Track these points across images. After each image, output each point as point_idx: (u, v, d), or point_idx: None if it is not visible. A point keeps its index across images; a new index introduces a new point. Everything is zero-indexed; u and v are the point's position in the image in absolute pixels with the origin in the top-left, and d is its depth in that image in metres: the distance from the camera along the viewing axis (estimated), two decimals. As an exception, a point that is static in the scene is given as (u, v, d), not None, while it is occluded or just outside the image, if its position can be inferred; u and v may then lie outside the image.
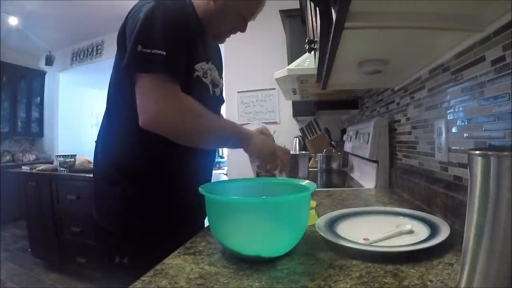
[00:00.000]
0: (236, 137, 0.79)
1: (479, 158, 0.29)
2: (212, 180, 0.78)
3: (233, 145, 0.84)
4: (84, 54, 4.60)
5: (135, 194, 0.74)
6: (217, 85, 0.86)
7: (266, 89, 3.17)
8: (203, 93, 0.78)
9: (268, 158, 0.82)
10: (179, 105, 0.67)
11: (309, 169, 1.75)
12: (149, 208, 0.75)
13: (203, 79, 0.78)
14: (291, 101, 2.54)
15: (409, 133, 1.02)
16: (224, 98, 0.99)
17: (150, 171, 0.76)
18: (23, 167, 2.94)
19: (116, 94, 0.77)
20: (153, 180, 0.76)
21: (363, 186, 1.30)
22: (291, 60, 1.90)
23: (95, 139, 0.83)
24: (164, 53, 0.64)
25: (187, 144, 0.72)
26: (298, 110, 2.60)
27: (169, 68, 0.65)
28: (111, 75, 0.78)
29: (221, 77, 0.92)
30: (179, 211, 0.78)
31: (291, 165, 1.49)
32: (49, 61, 4.80)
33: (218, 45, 0.94)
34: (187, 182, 0.75)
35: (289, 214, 0.51)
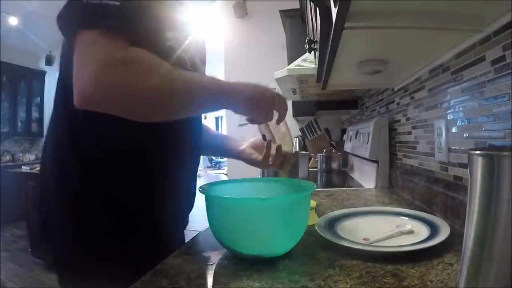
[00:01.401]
0: (217, 90, 0.55)
1: (479, 158, 0.29)
2: (212, 180, 0.77)
3: (215, 104, 0.58)
4: (84, 54, 4.59)
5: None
6: (194, 66, 0.67)
7: (266, 89, 3.16)
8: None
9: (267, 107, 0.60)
10: (126, 61, 0.47)
11: (309, 169, 1.75)
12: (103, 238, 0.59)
13: (178, 51, 0.59)
14: (291, 101, 2.54)
15: (409, 133, 1.02)
16: None
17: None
18: (23, 167, 2.95)
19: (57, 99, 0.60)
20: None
21: (363, 186, 1.30)
22: (291, 60, 1.89)
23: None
24: (118, 3, 0.47)
25: (147, 118, 0.52)
26: (298, 110, 2.60)
27: (123, 22, 0.47)
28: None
29: (202, 68, 0.73)
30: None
31: (291, 165, 1.49)
32: (49, 61, 4.80)
33: (201, 38, 0.73)
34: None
35: (289, 214, 0.51)
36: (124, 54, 0.47)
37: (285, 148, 0.73)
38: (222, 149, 0.89)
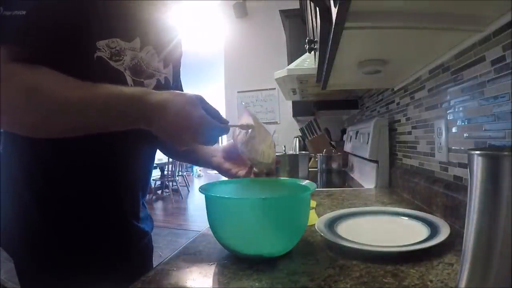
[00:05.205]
0: (123, 109, 0.47)
1: (479, 158, 0.29)
2: (212, 180, 0.75)
3: (122, 122, 0.49)
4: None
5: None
6: (150, 74, 0.61)
7: (266, 89, 3.17)
8: (111, 84, 0.49)
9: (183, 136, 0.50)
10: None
11: (309, 169, 1.75)
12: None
13: (112, 62, 0.53)
14: (291, 101, 2.55)
15: (409, 133, 1.02)
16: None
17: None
18: None
19: None
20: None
21: (363, 186, 1.30)
22: (291, 60, 1.90)
23: None
24: (24, 12, 0.43)
25: (37, 135, 0.48)
26: (298, 110, 2.60)
27: (24, 35, 0.43)
28: None
29: (168, 63, 0.66)
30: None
31: (291, 165, 1.49)
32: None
33: (166, 19, 0.64)
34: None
35: (289, 214, 0.51)
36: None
37: (258, 159, 0.62)
38: (196, 158, 0.79)
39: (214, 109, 0.54)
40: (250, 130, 0.60)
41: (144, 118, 0.48)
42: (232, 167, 0.73)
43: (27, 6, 0.43)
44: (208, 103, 0.53)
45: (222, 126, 0.53)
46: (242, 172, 0.71)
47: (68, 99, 0.45)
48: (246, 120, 0.62)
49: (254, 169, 0.67)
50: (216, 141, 0.54)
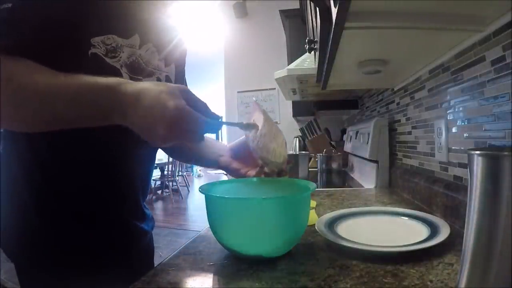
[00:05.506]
0: (94, 98, 0.43)
1: (479, 158, 0.29)
2: (212, 180, 0.75)
3: (94, 113, 0.44)
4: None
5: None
6: (150, 72, 0.59)
7: (266, 89, 3.18)
8: None
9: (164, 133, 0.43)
10: None
11: (309, 169, 1.75)
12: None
13: (107, 59, 0.51)
14: (291, 101, 2.55)
15: (409, 133, 1.02)
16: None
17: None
18: None
19: None
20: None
21: (363, 186, 1.30)
22: (291, 60, 1.90)
23: None
24: (10, 5, 0.42)
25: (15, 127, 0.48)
26: (298, 110, 2.60)
27: (8, 28, 0.42)
28: None
29: (169, 62, 0.65)
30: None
31: (291, 165, 1.49)
32: None
33: (166, 19, 0.63)
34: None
35: (289, 214, 0.51)
36: None
37: (270, 158, 0.59)
38: (202, 158, 0.76)
39: (202, 101, 0.47)
40: (260, 127, 0.57)
41: (118, 110, 0.43)
42: (241, 167, 0.69)
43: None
44: (193, 95, 0.46)
45: (209, 120, 0.45)
46: (252, 172, 0.67)
47: (38, 86, 0.42)
48: (257, 116, 0.59)
49: (265, 169, 0.63)
50: (201, 139, 0.47)
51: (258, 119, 0.59)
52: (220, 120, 0.49)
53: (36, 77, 0.42)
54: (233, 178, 0.71)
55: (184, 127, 0.43)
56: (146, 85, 0.44)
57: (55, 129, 0.45)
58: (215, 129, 0.47)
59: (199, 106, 0.46)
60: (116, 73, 0.53)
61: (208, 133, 0.47)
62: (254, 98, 3.23)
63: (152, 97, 0.42)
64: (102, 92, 0.43)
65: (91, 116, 0.44)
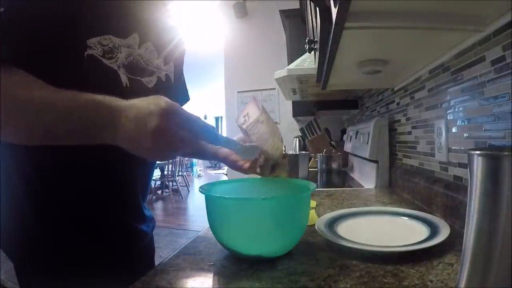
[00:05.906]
0: (85, 113, 0.42)
1: (479, 158, 0.29)
2: (212, 180, 0.75)
3: (85, 129, 0.43)
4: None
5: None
6: (150, 71, 0.59)
7: (266, 89, 3.17)
8: (103, 82, 0.50)
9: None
10: None
11: (309, 169, 1.75)
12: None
13: (104, 60, 0.51)
14: (291, 101, 2.55)
15: (409, 133, 1.02)
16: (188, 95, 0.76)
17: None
18: None
19: None
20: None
21: (363, 186, 1.30)
22: (291, 60, 1.90)
23: None
24: (1, 9, 0.41)
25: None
26: (298, 110, 2.60)
27: (2, 38, 0.41)
28: None
29: (168, 60, 0.65)
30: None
31: (291, 165, 1.49)
32: None
33: (165, 18, 0.63)
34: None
35: (289, 214, 0.51)
36: None
37: (265, 149, 0.60)
38: (202, 151, 0.77)
39: (194, 118, 0.45)
40: (256, 116, 0.58)
41: (109, 126, 0.42)
42: (239, 159, 0.71)
43: (4, 2, 0.41)
44: (185, 113, 0.44)
45: (205, 128, 0.45)
46: (247, 164, 0.68)
47: (28, 98, 0.41)
48: (252, 110, 0.59)
49: (260, 160, 0.64)
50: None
51: (254, 111, 0.59)
52: (215, 130, 0.49)
53: (28, 88, 0.41)
54: (232, 178, 0.71)
55: (169, 139, 0.42)
56: (136, 100, 0.43)
57: (48, 144, 0.44)
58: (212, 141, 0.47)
59: (190, 125, 0.44)
60: (113, 74, 0.53)
61: (205, 140, 0.47)
62: (253, 98, 3.24)
63: (139, 108, 0.41)
64: (93, 107, 0.42)
65: (82, 132, 0.43)
